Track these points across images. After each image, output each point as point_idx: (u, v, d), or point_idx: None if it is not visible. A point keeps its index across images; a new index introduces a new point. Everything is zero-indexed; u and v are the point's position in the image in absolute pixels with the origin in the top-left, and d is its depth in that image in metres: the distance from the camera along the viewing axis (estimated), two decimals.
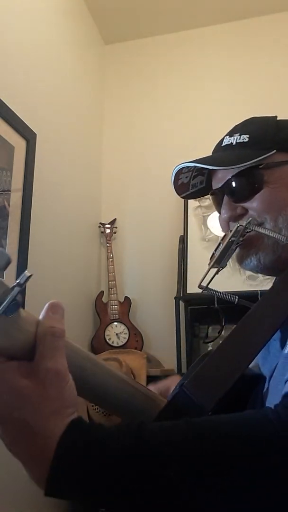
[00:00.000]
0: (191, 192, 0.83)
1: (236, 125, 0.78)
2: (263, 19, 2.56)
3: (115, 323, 2.25)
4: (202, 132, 2.28)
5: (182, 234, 2.26)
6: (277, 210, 0.69)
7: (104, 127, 2.69)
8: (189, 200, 2.29)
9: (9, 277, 1.56)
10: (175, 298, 2.10)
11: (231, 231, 0.71)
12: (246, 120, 0.78)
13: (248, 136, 0.73)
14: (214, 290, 0.74)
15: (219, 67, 2.57)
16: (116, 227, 2.48)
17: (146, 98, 2.66)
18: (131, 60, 2.75)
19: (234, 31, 2.60)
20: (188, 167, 0.75)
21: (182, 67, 2.64)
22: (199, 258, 2.11)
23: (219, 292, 0.74)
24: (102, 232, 2.47)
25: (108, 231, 2.43)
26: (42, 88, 1.96)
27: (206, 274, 0.73)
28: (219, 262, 0.72)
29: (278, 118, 0.77)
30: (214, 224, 2.12)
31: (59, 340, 0.45)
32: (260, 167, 0.71)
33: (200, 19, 2.60)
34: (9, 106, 1.64)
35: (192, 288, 2.09)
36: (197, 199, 2.25)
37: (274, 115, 0.78)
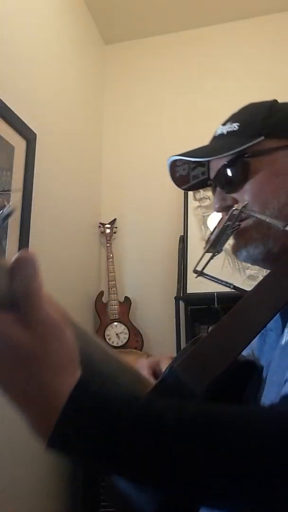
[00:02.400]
0: (193, 184, 0.81)
1: (233, 113, 0.77)
2: (263, 19, 2.56)
3: (115, 323, 2.25)
4: (202, 132, 2.27)
5: (182, 234, 2.26)
6: (264, 203, 0.67)
7: (104, 127, 2.69)
8: (189, 200, 2.29)
9: None
10: (175, 298, 2.10)
11: (227, 214, 0.70)
12: (241, 107, 0.77)
13: (238, 124, 0.72)
14: (209, 275, 0.72)
15: (219, 67, 2.57)
16: (116, 227, 2.48)
17: (146, 98, 2.66)
18: (131, 60, 2.75)
19: (234, 31, 2.60)
20: (181, 159, 0.74)
21: (182, 67, 2.64)
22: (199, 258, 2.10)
23: (214, 277, 0.73)
24: (102, 232, 2.47)
25: (108, 231, 2.43)
26: (42, 88, 1.96)
27: (201, 259, 0.72)
28: (214, 246, 0.71)
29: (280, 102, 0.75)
30: (215, 224, 2.12)
31: (39, 294, 0.41)
32: (246, 155, 0.68)
33: (200, 19, 2.60)
34: (9, 106, 1.64)
35: (192, 288, 2.09)
36: (197, 199, 2.25)
37: (273, 99, 0.76)
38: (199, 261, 0.72)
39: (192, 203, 2.28)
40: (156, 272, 2.38)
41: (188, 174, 0.79)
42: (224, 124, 0.75)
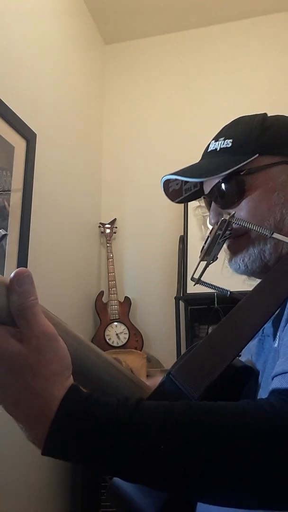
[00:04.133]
0: (185, 197, 0.83)
1: (223, 127, 0.78)
2: (263, 19, 2.56)
3: (115, 323, 2.25)
4: (202, 132, 2.27)
5: (182, 234, 2.26)
6: (261, 219, 0.69)
7: (104, 127, 2.70)
8: None
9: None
10: (175, 298, 2.10)
11: (217, 224, 0.71)
12: (232, 121, 0.77)
13: (231, 140, 0.72)
14: (206, 283, 0.74)
15: (219, 67, 2.57)
16: (116, 227, 2.48)
17: (146, 98, 2.66)
18: (131, 60, 2.75)
19: (234, 31, 2.60)
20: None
21: (182, 67, 2.64)
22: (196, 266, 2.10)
23: (211, 284, 0.75)
24: (102, 232, 2.47)
25: (108, 231, 2.44)
26: (42, 88, 1.96)
27: (197, 267, 0.74)
28: (208, 254, 0.73)
29: (269, 115, 0.76)
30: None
31: (35, 308, 0.44)
32: (241, 173, 0.70)
33: (200, 19, 2.60)
34: (9, 106, 1.64)
35: (192, 288, 2.09)
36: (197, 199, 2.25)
37: (263, 112, 0.76)
38: (195, 269, 0.75)
39: (192, 203, 2.27)
40: (156, 272, 2.39)
41: (181, 188, 0.81)
42: (216, 140, 0.75)
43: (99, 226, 2.47)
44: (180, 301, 2.12)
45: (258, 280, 0.68)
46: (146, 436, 0.42)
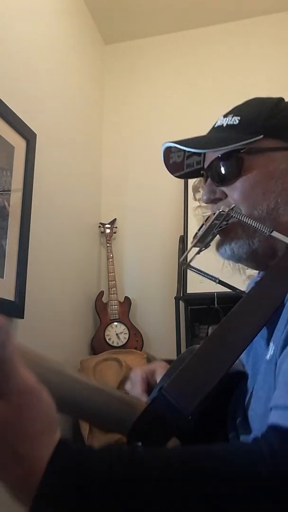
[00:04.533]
0: (186, 172, 0.79)
1: (237, 105, 0.75)
2: (263, 19, 2.56)
3: (115, 323, 2.25)
4: (202, 132, 2.27)
5: (182, 234, 2.26)
6: (253, 203, 0.66)
7: (104, 127, 2.70)
8: (189, 200, 2.29)
9: (9, 277, 1.56)
10: (175, 298, 2.10)
11: (214, 214, 0.69)
12: (246, 101, 0.75)
13: (239, 118, 0.70)
14: (195, 268, 0.73)
15: (219, 67, 2.57)
16: (116, 227, 2.48)
17: (146, 98, 2.66)
18: (131, 60, 2.75)
19: (234, 31, 2.60)
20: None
21: (182, 67, 2.64)
22: (199, 258, 2.10)
23: (200, 270, 0.74)
24: (102, 232, 2.47)
25: (108, 231, 2.43)
26: (42, 88, 1.96)
27: (188, 252, 0.74)
28: (201, 241, 0.72)
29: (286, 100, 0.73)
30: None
31: (13, 361, 0.40)
32: (241, 151, 0.67)
33: (200, 19, 2.60)
34: (9, 106, 1.64)
35: (192, 288, 2.09)
36: (197, 199, 2.24)
37: (280, 97, 0.73)
38: (185, 254, 0.74)
39: (192, 203, 2.28)
40: (156, 272, 2.38)
41: (183, 161, 0.78)
42: (225, 116, 0.73)
43: (99, 226, 2.47)
44: (180, 301, 2.12)
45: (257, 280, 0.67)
46: (140, 496, 0.40)
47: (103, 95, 2.73)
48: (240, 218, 0.65)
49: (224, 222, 0.68)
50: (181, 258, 0.75)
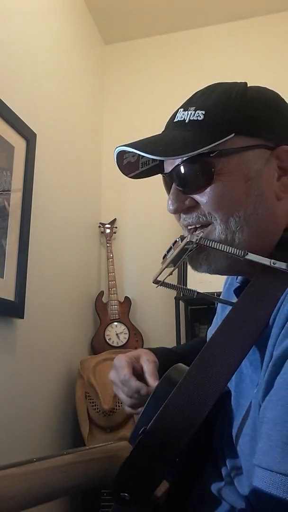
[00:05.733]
0: (142, 171, 0.71)
1: (196, 93, 0.66)
2: (263, 19, 2.56)
3: (115, 323, 2.25)
4: None
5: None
6: (230, 210, 0.59)
7: (104, 127, 2.70)
8: None
9: (9, 277, 1.56)
10: (175, 298, 2.10)
11: (181, 239, 0.63)
12: (207, 87, 0.66)
13: (203, 112, 0.60)
14: (170, 284, 0.67)
15: (219, 67, 2.57)
16: (116, 227, 2.48)
17: (146, 98, 2.66)
18: (131, 60, 2.75)
19: (234, 31, 2.60)
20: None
21: (182, 67, 2.64)
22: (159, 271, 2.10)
23: (175, 286, 0.67)
24: (102, 232, 2.47)
25: (108, 231, 2.44)
26: (42, 88, 1.96)
27: (160, 273, 0.66)
28: (174, 263, 0.66)
29: (248, 85, 0.65)
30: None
31: None
32: (212, 155, 0.58)
33: (200, 19, 2.60)
34: (9, 106, 1.64)
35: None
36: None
37: (243, 81, 0.65)
38: (157, 274, 0.67)
39: None
40: (156, 272, 2.38)
41: (137, 160, 0.70)
42: (185, 109, 0.63)
43: (99, 226, 2.47)
44: (180, 301, 2.12)
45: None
46: None
47: (103, 95, 2.73)
48: (212, 245, 0.59)
49: (195, 245, 0.62)
50: (153, 278, 0.67)
